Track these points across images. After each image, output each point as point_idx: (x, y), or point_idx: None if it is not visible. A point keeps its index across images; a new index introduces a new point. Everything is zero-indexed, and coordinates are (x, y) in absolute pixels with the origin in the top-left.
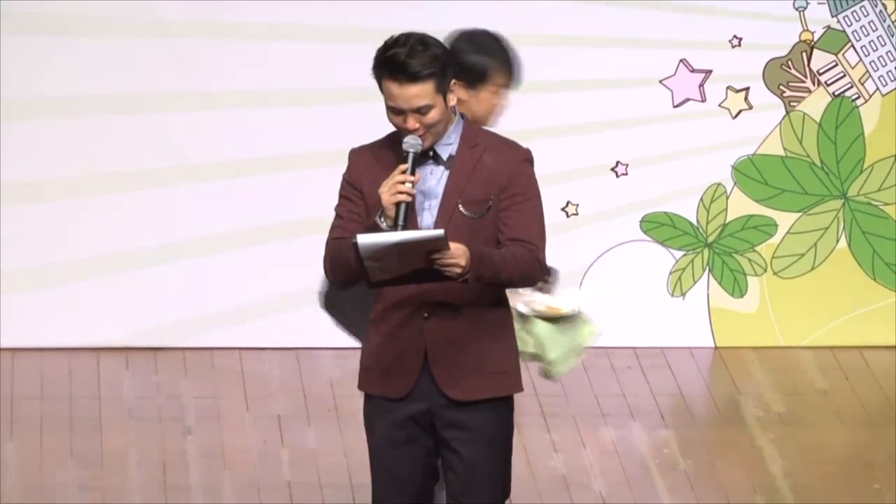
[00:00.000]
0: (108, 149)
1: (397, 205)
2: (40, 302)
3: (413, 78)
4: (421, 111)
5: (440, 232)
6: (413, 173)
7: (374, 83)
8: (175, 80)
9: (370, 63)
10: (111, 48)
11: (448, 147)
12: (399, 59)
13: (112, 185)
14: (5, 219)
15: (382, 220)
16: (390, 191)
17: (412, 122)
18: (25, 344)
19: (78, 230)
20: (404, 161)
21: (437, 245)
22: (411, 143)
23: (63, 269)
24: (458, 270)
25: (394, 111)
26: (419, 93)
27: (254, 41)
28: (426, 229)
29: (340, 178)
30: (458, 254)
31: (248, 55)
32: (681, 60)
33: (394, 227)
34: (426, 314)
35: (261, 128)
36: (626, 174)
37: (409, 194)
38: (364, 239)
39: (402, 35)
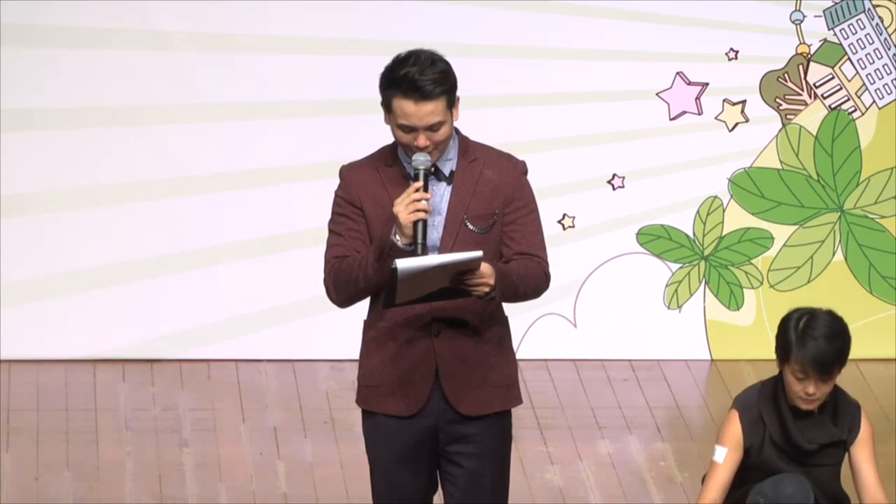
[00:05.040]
0: (106, 161)
1: (415, 223)
2: (37, 313)
3: (428, 96)
4: (433, 128)
5: (479, 253)
6: (426, 190)
7: (370, 95)
8: (173, 92)
9: (367, 75)
10: (110, 60)
11: (448, 162)
12: (413, 78)
13: (109, 197)
14: (3, 230)
15: (398, 238)
16: (407, 209)
17: (423, 140)
18: (22, 355)
19: (74, 242)
20: (410, 178)
21: (471, 265)
22: (421, 161)
23: (60, 280)
24: (487, 289)
25: (404, 129)
26: (434, 110)
27: (251, 54)
28: (463, 251)
29: (333, 195)
30: (487, 273)
31: (245, 67)
32: (677, 73)
33: (412, 245)
34: (437, 331)
35: (257, 140)
36: (623, 187)
37: (425, 211)
38: (404, 264)
39: (409, 53)
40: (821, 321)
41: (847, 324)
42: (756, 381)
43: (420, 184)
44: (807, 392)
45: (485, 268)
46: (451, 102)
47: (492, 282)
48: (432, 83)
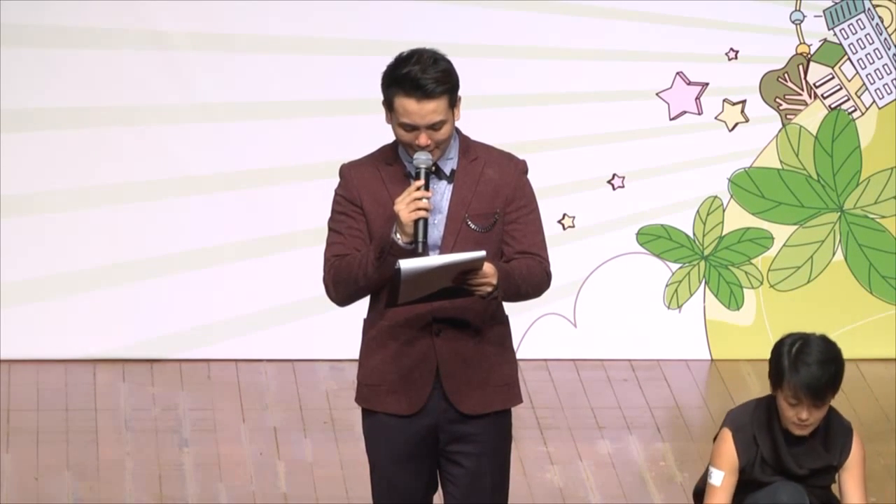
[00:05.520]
0: (106, 161)
1: (416, 221)
2: (37, 313)
3: (430, 94)
4: (434, 127)
5: (482, 253)
6: (427, 189)
7: (370, 95)
8: (173, 92)
9: (367, 75)
10: (110, 60)
11: (450, 161)
12: (416, 77)
13: (109, 197)
14: (3, 230)
15: (399, 236)
16: (408, 207)
17: (424, 139)
18: (22, 355)
19: (75, 242)
20: (410, 177)
21: (474, 265)
22: (423, 160)
23: (60, 280)
24: (489, 289)
25: (406, 128)
26: (436, 108)
27: (251, 54)
28: (466, 251)
29: (333, 194)
30: (490, 273)
31: (245, 67)
32: (677, 73)
33: (413, 244)
34: (437, 331)
35: (257, 140)
36: (623, 187)
37: (426, 210)
38: (407, 265)
39: (412, 52)
40: (814, 347)
41: (840, 349)
42: (756, 381)
43: (421, 182)
44: (800, 418)
45: (487, 267)
46: (453, 102)
47: (494, 281)
48: (434, 82)
